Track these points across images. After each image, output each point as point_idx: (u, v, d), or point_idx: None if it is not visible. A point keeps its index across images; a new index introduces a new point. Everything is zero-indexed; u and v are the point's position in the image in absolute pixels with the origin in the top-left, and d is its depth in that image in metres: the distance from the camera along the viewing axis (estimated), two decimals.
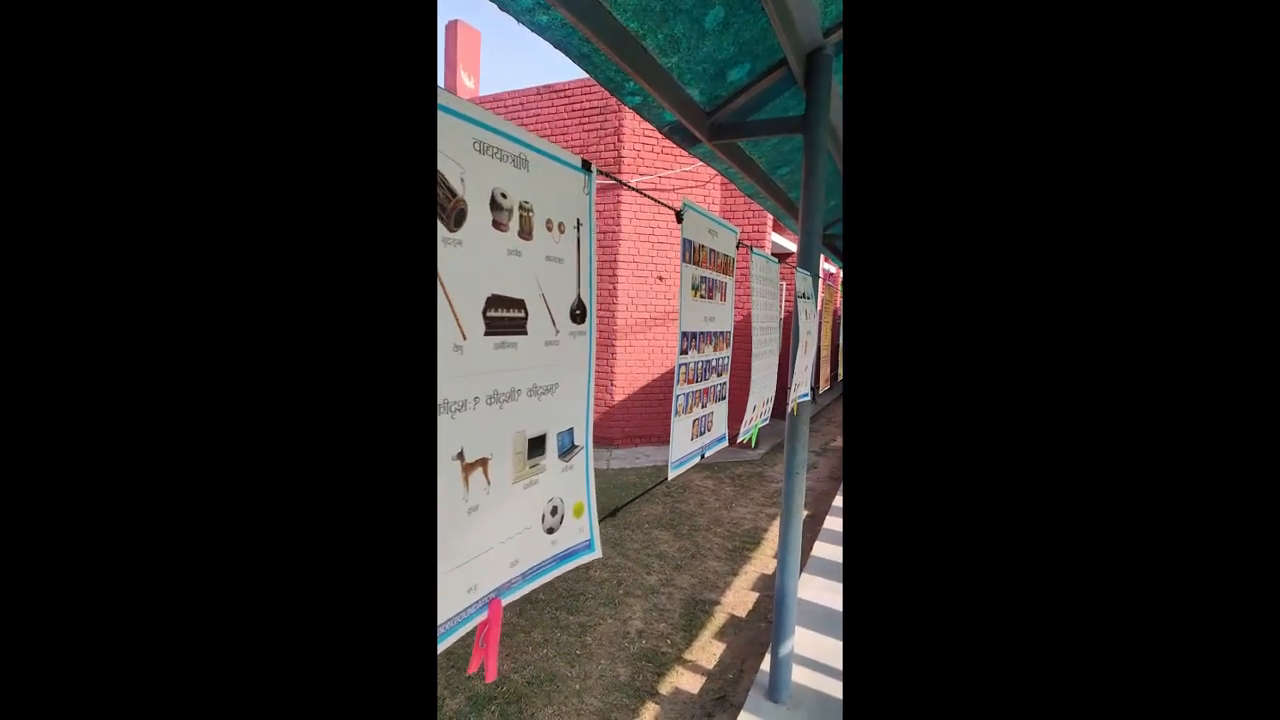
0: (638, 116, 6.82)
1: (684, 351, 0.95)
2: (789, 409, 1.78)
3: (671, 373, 7.03)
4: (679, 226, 0.95)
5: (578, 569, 3.61)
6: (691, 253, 0.95)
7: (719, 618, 3.17)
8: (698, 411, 1.04)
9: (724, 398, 1.20)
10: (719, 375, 1.15)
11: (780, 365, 1.80)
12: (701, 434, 1.06)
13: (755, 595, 3.43)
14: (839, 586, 3.22)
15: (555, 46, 1.62)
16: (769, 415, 1.47)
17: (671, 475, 0.93)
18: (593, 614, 3.15)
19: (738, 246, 1.15)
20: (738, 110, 2.24)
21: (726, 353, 1.17)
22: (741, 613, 3.23)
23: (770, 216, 7.25)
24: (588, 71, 1.77)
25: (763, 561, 3.92)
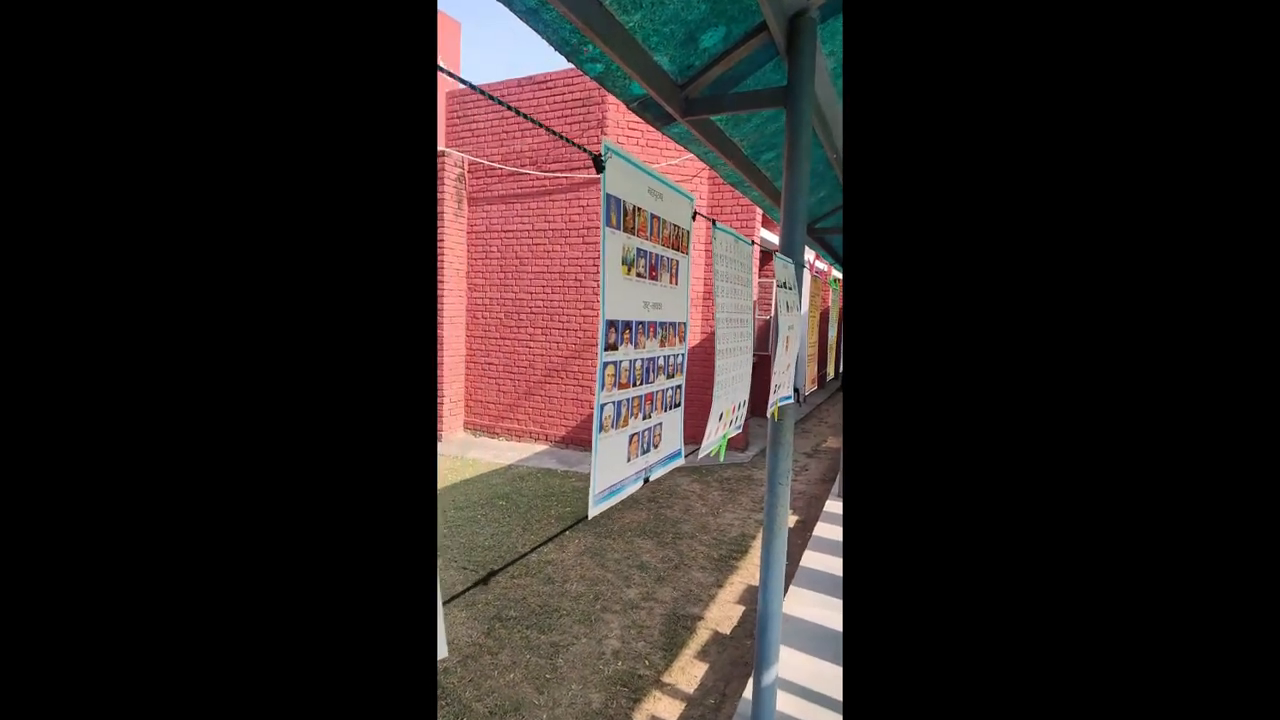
0: (623, 109, 6.63)
1: (611, 346, 0.72)
2: (769, 413, 1.58)
3: None
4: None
5: (553, 584, 3.40)
6: (621, 216, 0.72)
7: (701, 635, 2.97)
8: (637, 424, 0.81)
9: (679, 404, 0.97)
10: (669, 377, 0.92)
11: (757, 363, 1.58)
12: (645, 451, 0.84)
13: (741, 609, 3.24)
14: (830, 601, 3.03)
15: None
16: (741, 422, 1.27)
17: (594, 510, 0.71)
18: (566, 632, 2.94)
19: (693, 217, 0.93)
20: (713, 83, 2.03)
21: (680, 349, 0.94)
22: (726, 629, 3.03)
23: (759, 211, 7.06)
24: (538, 31, 1.56)
25: (750, 571, 3.73)
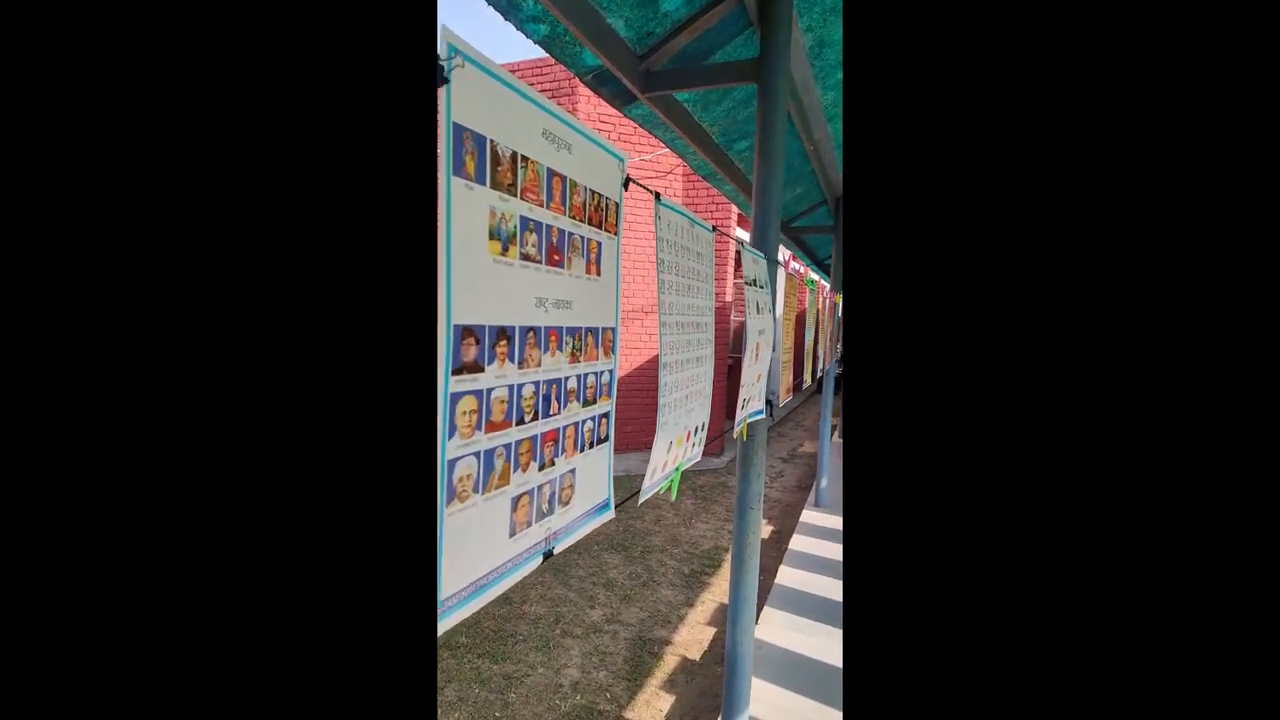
0: (595, 102, 6.38)
1: (469, 366, 0.46)
2: (735, 433, 1.35)
3: (637, 375, 6.56)
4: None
5: (511, 604, 3.14)
6: (487, 163, 0.46)
7: (669, 661, 2.75)
8: (528, 477, 0.55)
9: (605, 438, 0.69)
10: (588, 403, 0.65)
11: (719, 376, 1.35)
12: (544, 515, 0.57)
13: (712, 631, 3.02)
14: (806, 624, 2.83)
15: None
16: (699, 451, 1.04)
17: (444, 626, 0.45)
18: (521, 661, 2.69)
19: (626, 185, 0.68)
20: (677, 55, 1.81)
21: (607, 364, 0.67)
22: (695, 654, 2.81)
23: (735, 209, 6.88)
24: None
25: (722, 588, 3.52)
